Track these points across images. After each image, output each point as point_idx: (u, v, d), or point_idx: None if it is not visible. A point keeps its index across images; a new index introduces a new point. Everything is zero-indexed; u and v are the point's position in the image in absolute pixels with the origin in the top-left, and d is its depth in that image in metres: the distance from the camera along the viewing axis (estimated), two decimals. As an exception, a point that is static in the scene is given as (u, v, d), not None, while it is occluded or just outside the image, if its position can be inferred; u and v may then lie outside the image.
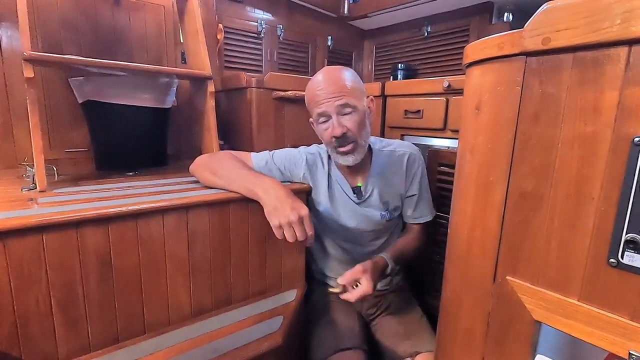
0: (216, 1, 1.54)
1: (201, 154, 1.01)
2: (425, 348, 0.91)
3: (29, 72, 0.82)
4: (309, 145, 1.07)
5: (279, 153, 1.02)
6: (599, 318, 0.42)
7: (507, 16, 1.68)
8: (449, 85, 1.19)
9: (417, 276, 1.22)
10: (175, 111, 1.32)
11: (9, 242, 0.61)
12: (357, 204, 1.00)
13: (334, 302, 1.05)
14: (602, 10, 0.39)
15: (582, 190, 0.43)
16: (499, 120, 0.51)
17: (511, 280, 0.51)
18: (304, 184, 1.00)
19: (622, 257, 0.40)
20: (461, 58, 0.60)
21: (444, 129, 1.25)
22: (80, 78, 1.10)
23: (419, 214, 1.04)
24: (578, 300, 0.44)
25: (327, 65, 2.05)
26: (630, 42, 0.38)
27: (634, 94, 0.38)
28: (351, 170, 1.00)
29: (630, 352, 0.40)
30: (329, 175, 1.01)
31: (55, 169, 1.00)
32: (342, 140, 0.88)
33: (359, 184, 1.00)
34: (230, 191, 0.86)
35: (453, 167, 0.66)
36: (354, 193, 1.00)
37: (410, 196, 1.03)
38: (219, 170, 0.90)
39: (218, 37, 1.55)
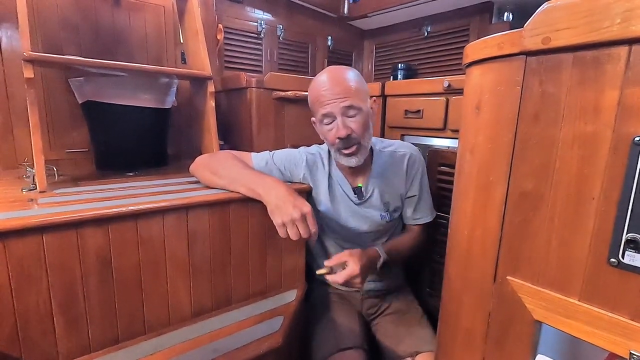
0: (216, 1, 1.55)
1: (201, 154, 1.01)
2: (426, 348, 0.91)
3: (29, 73, 0.82)
4: (309, 145, 1.07)
5: (279, 153, 1.02)
6: (600, 318, 0.42)
7: (507, 16, 1.68)
8: (449, 85, 1.19)
9: (418, 276, 1.22)
10: (175, 111, 1.32)
11: (9, 243, 0.61)
12: (357, 204, 1.00)
13: (335, 302, 1.05)
14: (602, 10, 0.39)
15: (582, 190, 0.43)
16: (499, 120, 0.51)
17: (511, 280, 0.51)
18: (304, 184, 1.00)
19: (622, 257, 0.40)
20: (461, 58, 0.60)
21: (444, 128, 1.25)
22: (80, 78, 1.10)
23: (419, 215, 1.04)
24: (578, 300, 0.44)
25: (327, 65, 2.06)
26: (631, 42, 0.37)
27: (634, 94, 0.38)
28: (352, 171, 0.99)
29: (631, 351, 0.40)
30: (330, 175, 1.01)
31: (55, 169, 1.00)
32: (346, 141, 0.88)
33: (359, 185, 1.00)
34: (231, 191, 0.86)
35: (453, 167, 0.66)
36: (355, 194, 1.00)
37: (410, 197, 1.02)
38: (219, 170, 0.90)
39: (218, 37, 1.55)
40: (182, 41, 1.39)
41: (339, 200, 1.01)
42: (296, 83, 1.33)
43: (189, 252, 0.80)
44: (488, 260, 0.54)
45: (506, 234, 0.51)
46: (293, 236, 0.78)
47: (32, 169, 0.88)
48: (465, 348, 0.60)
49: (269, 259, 0.94)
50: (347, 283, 0.85)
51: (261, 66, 1.82)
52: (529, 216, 0.48)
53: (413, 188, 1.02)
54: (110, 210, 0.69)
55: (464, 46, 0.58)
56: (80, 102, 1.13)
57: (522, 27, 0.45)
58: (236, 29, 1.69)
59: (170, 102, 1.24)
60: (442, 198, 1.11)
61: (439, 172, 1.14)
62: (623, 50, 0.38)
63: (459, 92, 1.18)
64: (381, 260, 0.92)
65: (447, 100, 1.22)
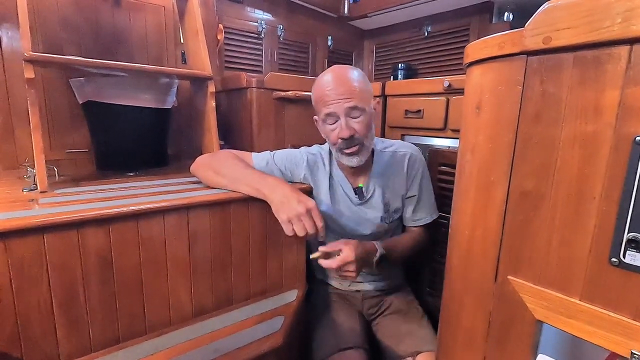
0: (216, 1, 1.55)
1: (201, 155, 1.01)
2: (426, 348, 0.91)
3: (29, 73, 0.82)
4: (310, 145, 1.07)
5: (280, 153, 1.02)
6: (601, 317, 0.42)
7: (508, 16, 1.68)
8: (450, 85, 1.19)
9: (418, 276, 1.22)
10: (175, 111, 1.32)
11: (10, 243, 0.61)
12: (358, 204, 1.00)
13: (335, 302, 1.05)
14: (603, 10, 0.39)
15: (583, 189, 0.43)
16: (500, 119, 0.51)
17: (512, 279, 0.51)
18: (305, 184, 1.00)
19: (623, 257, 0.40)
20: (461, 58, 0.60)
21: (444, 128, 1.25)
22: (80, 79, 1.10)
23: (418, 215, 1.03)
24: (580, 300, 0.44)
25: (327, 65, 2.07)
26: (632, 41, 0.37)
27: (635, 93, 0.38)
28: (353, 171, 0.99)
29: (633, 351, 0.40)
30: (331, 175, 1.01)
31: (56, 169, 1.00)
32: (349, 142, 0.88)
33: (360, 185, 1.00)
34: (233, 191, 0.86)
35: (454, 167, 0.66)
36: (356, 194, 1.00)
37: (410, 197, 1.02)
38: (221, 170, 0.90)
39: (218, 37, 1.55)
40: (182, 41, 1.39)
41: (340, 201, 1.01)
42: (296, 83, 1.33)
43: (190, 252, 0.80)
44: (489, 260, 0.54)
45: (507, 233, 0.51)
46: (300, 232, 0.78)
47: (33, 169, 0.88)
48: (466, 348, 0.60)
49: (270, 259, 0.94)
50: (340, 271, 0.84)
51: (261, 66, 1.82)
52: (530, 216, 0.48)
53: (413, 188, 1.02)
54: (111, 211, 0.69)
55: (464, 46, 0.58)
56: (80, 102, 1.13)
57: (522, 27, 0.45)
58: (236, 29, 1.69)
59: (170, 102, 1.24)
60: (442, 198, 1.11)
61: (440, 172, 1.14)
62: (624, 49, 0.38)
63: (460, 92, 1.18)
64: (378, 254, 0.91)
65: (448, 100, 1.22)
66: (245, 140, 1.34)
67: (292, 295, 0.96)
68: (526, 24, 0.45)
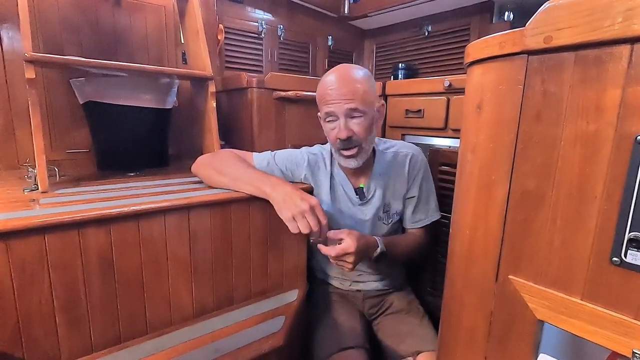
0: (217, 2, 1.54)
1: (202, 154, 1.01)
2: (427, 347, 0.91)
3: (30, 73, 0.82)
4: (310, 145, 1.07)
5: (281, 153, 1.02)
6: (602, 317, 0.42)
7: (508, 15, 1.68)
8: (450, 85, 1.19)
9: (419, 275, 1.22)
10: (176, 112, 1.32)
11: (11, 243, 0.61)
12: (359, 205, 1.00)
13: (336, 302, 1.05)
14: (604, 9, 0.38)
15: (584, 189, 0.43)
16: (501, 119, 0.51)
17: (513, 279, 0.51)
18: (306, 183, 1.00)
19: (625, 256, 0.40)
20: (462, 57, 0.60)
21: (445, 128, 1.25)
22: (81, 79, 1.10)
23: (418, 217, 1.03)
24: (581, 299, 0.44)
25: (328, 65, 2.07)
26: (633, 40, 0.37)
27: (636, 92, 0.38)
28: (354, 171, 0.99)
29: (634, 350, 0.40)
30: (332, 175, 1.01)
31: (56, 169, 1.00)
32: (346, 143, 0.88)
33: (361, 185, 1.00)
34: (235, 190, 0.86)
35: (454, 166, 0.66)
36: (357, 194, 1.00)
37: (410, 198, 1.02)
38: (223, 169, 0.90)
39: (219, 37, 1.55)
40: (182, 41, 1.39)
41: (341, 201, 1.01)
42: (297, 83, 1.33)
43: (191, 252, 0.80)
44: (490, 260, 0.54)
45: (508, 233, 0.51)
46: (304, 229, 0.78)
47: (34, 169, 0.88)
48: (467, 347, 0.60)
49: (271, 258, 0.94)
50: (338, 259, 0.84)
51: (262, 66, 1.82)
52: (531, 215, 0.48)
53: (413, 189, 1.01)
54: (112, 211, 0.69)
55: (465, 46, 0.58)
56: (81, 102, 1.13)
57: (523, 26, 0.45)
58: (237, 29, 1.69)
59: (171, 102, 1.24)
60: (443, 198, 1.11)
61: (440, 171, 1.14)
62: (625, 49, 0.38)
63: (460, 91, 1.18)
64: (378, 250, 0.91)
65: (448, 100, 1.22)
66: (246, 140, 1.34)
67: (292, 295, 0.97)
68: (527, 24, 0.45)
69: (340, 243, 0.84)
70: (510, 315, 0.52)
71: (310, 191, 1.00)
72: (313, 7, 1.92)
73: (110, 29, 1.29)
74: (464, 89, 0.60)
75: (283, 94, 1.29)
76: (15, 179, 1.01)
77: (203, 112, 1.22)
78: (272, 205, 0.83)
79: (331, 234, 0.85)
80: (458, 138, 0.71)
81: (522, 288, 0.50)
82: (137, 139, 1.18)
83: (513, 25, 1.63)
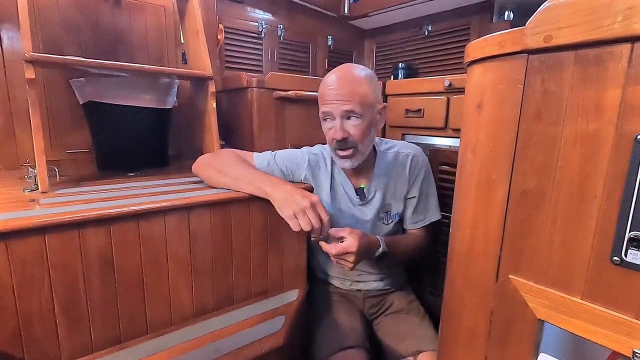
0: (216, 1, 1.54)
1: (202, 154, 1.01)
2: (428, 347, 0.91)
3: (30, 74, 0.82)
4: (310, 145, 1.07)
5: (282, 154, 1.02)
6: (603, 316, 0.42)
7: (508, 15, 1.67)
8: (450, 84, 1.19)
9: (419, 275, 1.22)
10: (176, 111, 1.32)
11: (12, 243, 0.61)
12: (359, 205, 1.00)
13: (336, 302, 1.05)
14: (604, 8, 0.38)
15: (584, 188, 0.43)
16: (501, 118, 0.51)
17: (514, 278, 0.51)
18: (305, 183, 1.00)
19: (625, 255, 0.40)
20: (462, 57, 0.60)
21: (445, 128, 1.25)
22: (81, 79, 1.10)
23: (417, 217, 1.03)
24: (581, 299, 0.44)
25: (328, 65, 2.07)
26: (633, 39, 0.37)
27: (636, 92, 0.38)
28: (355, 172, 0.99)
29: (634, 350, 0.40)
30: (332, 175, 1.01)
31: (56, 169, 1.00)
32: (342, 143, 0.88)
33: (362, 186, 1.00)
34: (235, 190, 0.86)
35: (454, 166, 0.65)
36: (357, 195, 1.00)
37: (410, 198, 1.02)
38: (224, 169, 0.90)
39: (218, 37, 1.55)
40: (182, 41, 1.39)
41: (341, 201, 1.01)
42: (297, 83, 1.33)
43: (191, 252, 0.80)
44: (490, 259, 0.54)
45: (508, 232, 0.51)
46: (305, 226, 0.78)
47: (34, 169, 0.88)
48: (468, 347, 0.60)
49: (271, 258, 0.94)
50: (339, 257, 0.84)
51: (262, 66, 1.82)
52: (531, 215, 0.48)
53: (414, 189, 1.01)
54: (112, 211, 0.69)
55: (465, 45, 0.58)
56: (81, 102, 1.13)
57: (523, 25, 0.45)
58: (237, 29, 1.69)
59: (171, 102, 1.24)
60: (443, 197, 1.11)
61: (440, 171, 1.14)
62: (625, 48, 0.38)
63: (460, 91, 1.18)
64: (380, 250, 0.91)
65: (448, 100, 1.22)
66: (246, 140, 1.34)
67: (293, 295, 0.96)
68: (527, 23, 0.45)
69: (342, 241, 0.83)
70: (510, 315, 0.52)
71: (310, 190, 1.00)
72: (313, 7, 1.92)
73: (110, 29, 1.29)
74: (464, 88, 0.60)
75: (283, 93, 1.29)
76: (15, 179, 1.01)
77: (203, 112, 1.22)
78: (272, 205, 0.83)
79: (333, 231, 0.85)
80: (458, 137, 0.71)
81: (522, 287, 0.50)
82: (137, 139, 1.18)
83: (513, 24, 1.62)
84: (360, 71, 0.89)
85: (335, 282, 1.10)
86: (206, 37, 1.20)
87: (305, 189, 0.97)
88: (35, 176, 0.88)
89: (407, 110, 1.34)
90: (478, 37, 0.54)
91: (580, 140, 0.42)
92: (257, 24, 1.76)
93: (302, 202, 0.78)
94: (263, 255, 0.92)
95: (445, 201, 1.10)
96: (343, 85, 0.86)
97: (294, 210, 0.78)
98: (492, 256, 0.53)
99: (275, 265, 0.95)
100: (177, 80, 1.25)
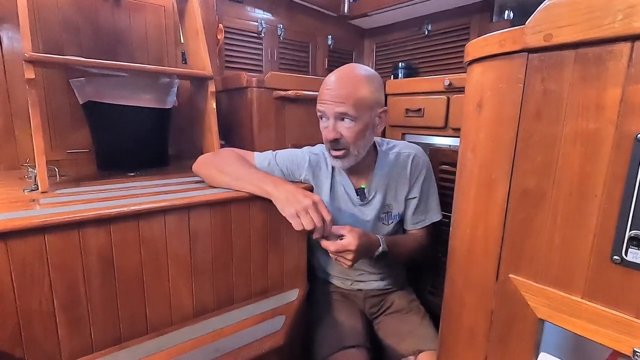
0: (216, 1, 1.54)
1: (202, 154, 1.01)
2: (428, 346, 0.91)
3: (30, 73, 0.82)
4: (311, 144, 1.07)
5: (282, 154, 1.01)
6: (603, 315, 0.42)
7: (508, 14, 1.67)
8: (450, 84, 1.19)
9: (419, 275, 1.22)
10: (176, 111, 1.32)
11: (12, 243, 0.61)
12: (359, 205, 1.00)
13: (336, 301, 1.05)
14: (604, 6, 0.38)
15: (584, 187, 0.43)
16: (501, 117, 0.51)
17: (514, 278, 0.51)
18: (305, 183, 1.00)
19: (625, 254, 0.40)
20: (462, 56, 0.60)
21: (445, 127, 1.25)
22: (81, 79, 1.10)
23: (418, 218, 1.03)
24: (582, 298, 0.44)
25: (328, 64, 2.07)
26: (633, 38, 0.37)
27: (636, 91, 0.38)
28: (355, 171, 0.99)
29: (635, 349, 0.40)
30: (333, 175, 1.01)
31: (57, 169, 1.00)
32: (334, 144, 0.89)
33: (362, 186, 1.00)
34: (236, 190, 0.86)
35: (454, 165, 0.65)
36: (357, 195, 1.00)
37: (411, 198, 1.02)
38: (225, 168, 0.90)
39: (218, 37, 1.55)
40: (182, 41, 1.39)
41: (341, 201, 1.01)
42: (297, 82, 1.33)
43: (191, 251, 0.80)
44: (490, 259, 0.54)
45: (508, 232, 0.51)
46: (307, 225, 0.78)
47: (34, 169, 0.88)
48: (468, 347, 0.60)
49: (271, 258, 0.94)
50: (338, 254, 0.84)
51: (262, 66, 1.81)
52: (531, 214, 0.48)
53: (414, 190, 1.01)
54: (112, 210, 0.69)
55: (465, 44, 0.58)
56: (81, 102, 1.13)
57: (523, 24, 0.45)
58: (236, 29, 1.69)
59: (171, 102, 1.24)
60: (443, 197, 1.11)
61: (441, 170, 1.14)
62: (625, 46, 0.38)
63: (460, 90, 1.17)
64: (380, 249, 0.90)
65: (448, 99, 1.22)
66: (246, 140, 1.34)
67: (293, 295, 0.96)
68: (527, 22, 0.45)
69: (342, 239, 0.84)
70: (510, 314, 0.52)
71: (310, 190, 1.00)
72: (313, 7, 1.92)
73: (110, 29, 1.29)
74: (464, 87, 0.60)
75: (283, 93, 1.29)
76: (15, 179, 1.01)
77: (203, 111, 1.22)
78: (272, 204, 0.83)
79: (333, 229, 0.85)
80: (458, 137, 0.71)
81: (522, 287, 0.50)
82: (137, 139, 1.18)
83: (513, 23, 1.62)
84: (361, 73, 0.88)
85: (336, 282, 1.10)
86: (206, 37, 1.20)
87: (305, 188, 0.97)
88: (35, 176, 0.88)
89: (407, 110, 1.34)
90: (478, 37, 0.54)
91: (580, 139, 0.42)
92: (257, 23, 1.76)
93: (304, 201, 0.78)
94: (263, 255, 0.92)
95: (446, 201, 1.10)
96: (340, 86, 0.86)
97: (297, 209, 0.78)
98: (493, 255, 0.53)
99: (276, 265, 0.95)
100: (177, 80, 1.25)
